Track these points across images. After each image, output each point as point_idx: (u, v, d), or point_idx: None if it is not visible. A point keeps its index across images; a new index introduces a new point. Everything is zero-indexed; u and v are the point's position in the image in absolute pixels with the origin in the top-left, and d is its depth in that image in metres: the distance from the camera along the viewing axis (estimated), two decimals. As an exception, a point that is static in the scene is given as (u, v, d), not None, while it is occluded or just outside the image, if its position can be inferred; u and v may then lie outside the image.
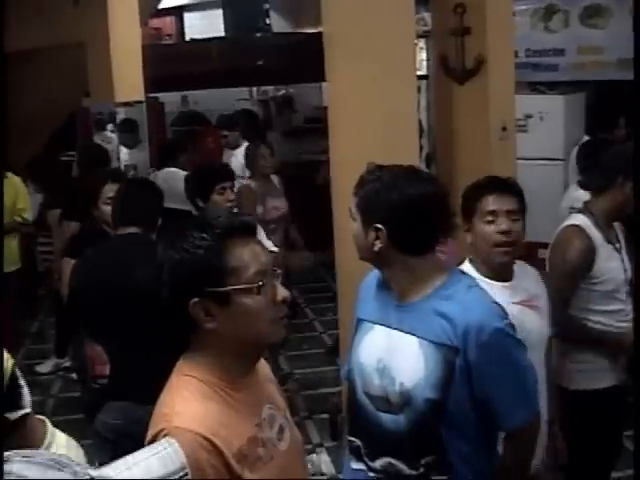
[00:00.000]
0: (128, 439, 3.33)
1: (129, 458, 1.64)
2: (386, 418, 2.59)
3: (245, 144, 7.76)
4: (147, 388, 3.45)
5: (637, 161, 3.46)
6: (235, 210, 4.90)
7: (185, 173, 7.66)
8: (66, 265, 4.69)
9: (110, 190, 4.65)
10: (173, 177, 7.57)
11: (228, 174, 5.19)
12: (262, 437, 2.02)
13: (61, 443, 1.79)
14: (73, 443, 1.86)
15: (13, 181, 7.23)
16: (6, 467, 1.19)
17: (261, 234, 5.07)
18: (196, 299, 1.93)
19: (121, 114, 8.76)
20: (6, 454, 1.23)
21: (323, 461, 5.28)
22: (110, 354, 3.81)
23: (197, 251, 1.94)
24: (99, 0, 8.41)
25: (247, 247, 2.00)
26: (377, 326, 2.67)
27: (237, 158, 7.65)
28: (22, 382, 1.71)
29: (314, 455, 5.27)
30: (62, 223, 6.37)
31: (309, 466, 4.17)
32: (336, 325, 5.24)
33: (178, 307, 1.95)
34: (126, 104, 8.72)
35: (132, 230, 3.86)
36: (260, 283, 1.97)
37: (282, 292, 2.03)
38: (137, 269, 3.50)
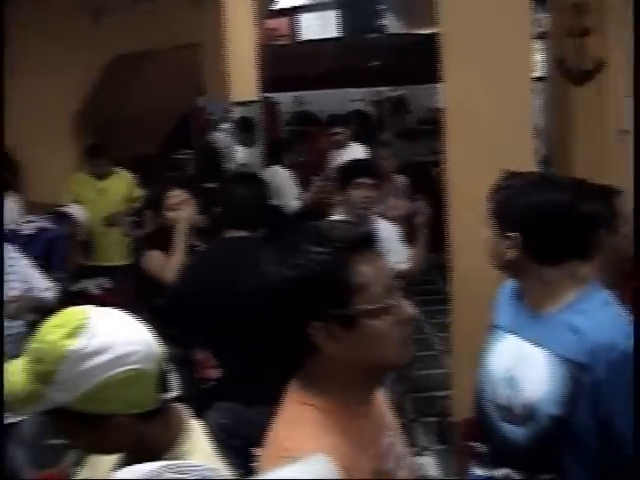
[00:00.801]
0: (236, 439, 3.37)
1: (281, 472, 1.57)
2: (509, 429, 2.51)
3: (353, 145, 7.76)
4: (256, 390, 3.51)
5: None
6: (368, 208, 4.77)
7: (287, 172, 7.78)
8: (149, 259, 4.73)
9: (176, 196, 4.69)
10: (278, 175, 7.66)
11: (368, 170, 4.95)
12: (384, 469, 1.86)
13: (199, 432, 1.80)
14: (204, 435, 1.85)
15: (122, 174, 7.51)
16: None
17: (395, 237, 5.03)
18: (318, 322, 1.71)
19: (236, 113, 8.87)
20: (157, 466, 1.23)
21: (429, 464, 5.24)
22: (218, 358, 3.84)
23: (317, 268, 1.71)
24: (215, 1, 8.55)
25: (371, 262, 1.75)
26: (509, 335, 2.59)
27: (345, 158, 7.64)
28: (169, 367, 1.73)
29: (420, 458, 5.24)
30: None
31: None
32: (447, 328, 5.19)
33: (295, 330, 1.74)
34: (242, 104, 8.83)
35: (240, 233, 3.84)
36: (389, 302, 1.74)
37: (408, 309, 1.80)
38: (247, 275, 3.52)
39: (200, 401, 1.83)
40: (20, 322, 4.23)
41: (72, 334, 1.60)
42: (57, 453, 5.20)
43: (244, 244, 3.81)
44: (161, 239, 4.63)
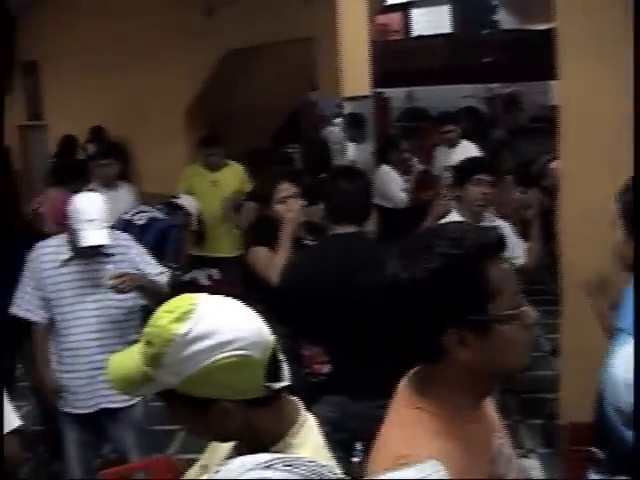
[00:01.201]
0: (342, 432, 3.39)
1: (393, 476, 1.55)
2: (630, 434, 2.39)
3: (465, 143, 7.70)
4: (363, 385, 3.52)
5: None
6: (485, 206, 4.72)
7: (396, 171, 7.78)
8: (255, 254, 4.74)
9: (285, 190, 4.67)
10: (387, 175, 7.66)
11: (486, 167, 4.88)
12: (497, 474, 1.85)
13: (312, 425, 1.80)
14: (317, 429, 1.85)
15: (236, 168, 7.59)
16: (265, 472, 1.19)
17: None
18: (451, 328, 1.69)
19: (348, 109, 8.89)
20: (269, 458, 1.22)
21: (534, 467, 5.15)
22: (328, 353, 3.85)
23: (454, 273, 1.69)
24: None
25: (501, 267, 1.75)
26: (632, 338, 2.51)
27: (454, 157, 7.57)
28: (281, 357, 1.74)
29: (525, 460, 5.15)
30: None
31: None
32: (557, 329, 5.10)
33: (424, 334, 1.73)
34: (353, 99, 8.84)
35: (348, 229, 3.82)
36: (519, 308, 1.73)
37: (531, 314, 1.78)
38: (358, 271, 3.52)
39: (309, 395, 1.83)
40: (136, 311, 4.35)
41: (180, 319, 1.63)
42: (164, 439, 5.33)
43: (353, 241, 3.81)
44: (267, 232, 4.67)
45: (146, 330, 1.70)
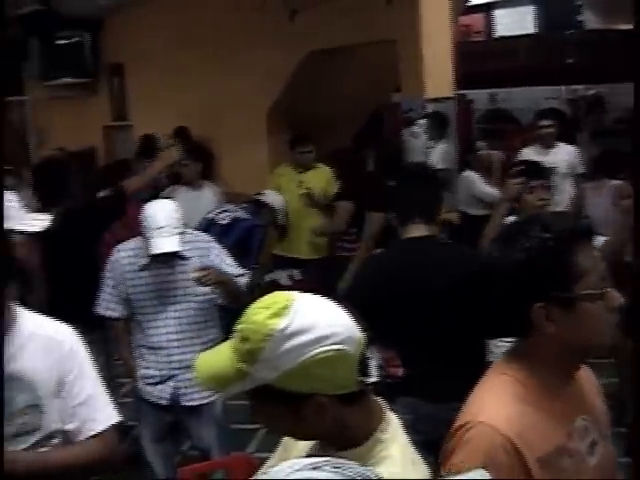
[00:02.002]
0: (415, 434, 3.37)
1: None
2: None
3: (561, 145, 7.61)
4: (438, 387, 3.51)
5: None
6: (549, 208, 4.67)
7: (479, 176, 7.73)
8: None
9: None
10: (469, 180, 7.60)
11: (539, 172, 4.87)
12: (571, 448, 1.96)
13: (396, 423, 1.84)
14: (400, 427, 1.88)
15: (323, 169, 7.61)
16: (313, 473, 1.21)
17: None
18: (540, 303, 1.90)
19: (430, 110, 8.84)
20: (318, 460, 1.25)
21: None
22: (402, 355, 3.83)
23: (545, 253, 1.91)
24: (410, -2, 8.55)
25: (590, 252, 1.96)
26: None
27: (554, 157, 7.45)
28: (369, 354, 1.77)
29: None
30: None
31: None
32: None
33: (515, 309, 1.94)
34: (435, 100, 8.79)
35: (421, 230, 3.79)
36: (604, 289, 1.92)
37: (617, 298, 1.95)
38: (434, 273, 3.50)
39: (385, 397, 1.85)
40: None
41: (277, 314, 1.66)
42: (243, 437, 5.36)
43: (426, 244, 3.79)
44: None
45: (240, 327, 1.72)
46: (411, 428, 3.35)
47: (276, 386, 1.67)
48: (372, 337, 3.87)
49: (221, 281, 4.22)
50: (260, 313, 1.68)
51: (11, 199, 3.80)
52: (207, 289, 4.28)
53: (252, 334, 1.67)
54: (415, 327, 3.60)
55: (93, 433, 2.52)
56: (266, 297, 1.73)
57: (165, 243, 4.10)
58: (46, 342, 2.50)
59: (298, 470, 1.23)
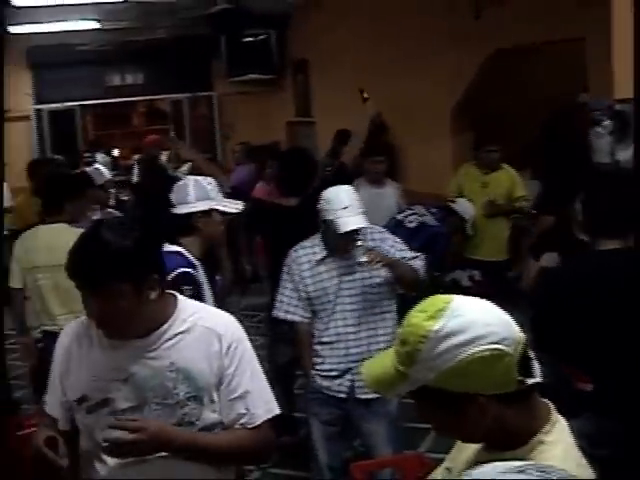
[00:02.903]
0: (599, 449, 3.28)
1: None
2: None
3: None
4: (625, 405, 3.43)
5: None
6: None
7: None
8: (530, 266, 4.59)
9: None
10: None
11: None
12: None
13: (564, 425, 1.82)
14: (568, 430, 1.84)
15: (508, 170, 7.47)
16: (519, 476, 1.24)
17: None
18: None
19: (617, 111, 8.59)
20: (522, 464, 1.28)
21: None
22: (590, 371, 3.72)
23: None
24: (601, -3, 8.32)
25: None
26: None
27: None
28: (531, 354, 1.77)
29: None
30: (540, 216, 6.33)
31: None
32: None
33: None
34: (623, 101, 8.54)
35: (615, 242, 3.61)
36: None
37: None
38: (629, 289, 3.38)
39: (569, 409, 1.83)
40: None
41: (433, 316, 1.70)
42: (415, 437, 5.37)
43: (620, 259, 3.59)
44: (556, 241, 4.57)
45: (400, 331, 1.78)
46: (596, 442, 3.33)
47: (435, 387, 1.71)
48: (560, 354, 3.82)
49: (390, 263, 4.27)
50: (417, 316, 1.73)
51: (210, 182, 4.17)
52: (383, 279, 4.35)
53: (409, 336, 1.72)
54: (606, 342, 3.53)
55: (250, 427, 2.55)
56: (425, 301, 1.78)
57: (352, 221, 4.18)
58: (207, 334, 2.53)
59: (502, 472, 1.27)
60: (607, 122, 8.72)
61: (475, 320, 1.69)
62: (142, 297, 2.42)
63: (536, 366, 1.76)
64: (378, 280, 4.37)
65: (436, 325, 1.68)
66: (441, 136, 9.66)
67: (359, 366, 4.27)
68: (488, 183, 7.34)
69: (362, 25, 11.06)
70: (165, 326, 2.50)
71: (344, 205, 4.20)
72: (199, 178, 4.17)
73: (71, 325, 2.70)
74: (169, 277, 3.54)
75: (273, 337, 5.91)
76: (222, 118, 15.39)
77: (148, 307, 2.45)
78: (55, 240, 4.97)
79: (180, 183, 4.19)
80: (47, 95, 14.43)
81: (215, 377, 2.51)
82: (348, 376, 4.39)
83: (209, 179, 4.20)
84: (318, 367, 4.49)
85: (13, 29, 11.66)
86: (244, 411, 2.54)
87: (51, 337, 4.79)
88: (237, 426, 2.54)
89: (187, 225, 4.04)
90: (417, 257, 4.48)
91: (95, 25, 12.02)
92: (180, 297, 2.62)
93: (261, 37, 13.73)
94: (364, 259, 4.16)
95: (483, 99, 9.26)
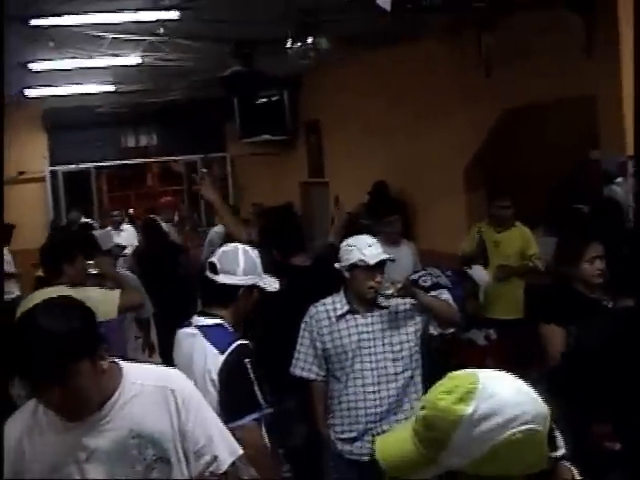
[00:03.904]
0: None
1: None
2: None
3: None
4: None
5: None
6: None
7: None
8: (550, 332, 4.43)
9: (594, 250, 4.42)
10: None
11: None
12: None
13: None
14: None
15: (521, 229, 7.48)
16: None
17: None
18: None
19: (632, 168, 8.59)
20: None
21: None
22: (617, 429, 3.68)
23: None
24: (611, 52, 8.36)
25: None
26: None
27: None
28: (554, 425, 1.70)
29: None
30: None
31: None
32: None
33: None
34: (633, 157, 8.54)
35: (630, 302, 3.64)
36: None
37: None
38: None
39: (595, 470, 1.78)
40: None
41: (463, 399, 1.61)
42: None
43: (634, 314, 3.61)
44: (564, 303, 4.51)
45: (423, 414, 1.67)
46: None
47: (467, 472, 1.63)
48: (587, 410, 3.78)
49: (417, 293, 4.30)
50: (444, 399, 1.64)
51: (258, 256, 3.97)
52: (404, 337, 4.34)
53: (439, 421, 1.63)
54: (633, 400, 3.49)
55: (220, 472, 2.58)
56: (446, 380, 1.70)
57: (380, 254, 4.24)
58: (159, 393, 2.52)
59: None
60: (620, 179, 8.72)
61: (507, 400, 1.62)
62: (97, 370, 2.39)
63: (560, 437, 1.72)
64: (400, 339, 4.34)
65: (469, 409, 1.60)
66: (455, 194, 9.69)
67: (379, 426, 4.26)
68: (501, 242, 7.33)
69: (373, 86, 11.16)
70: (116, 395, 2.47)
71: (369, 243, 4.26)
72: (248, 248, 3.98)
73: (15, 418, 2.58)
74: (227, 350, 3.54)
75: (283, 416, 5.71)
76: (235, 179, 15.48)
77: (101, 379, 2.42)
78: None
79: (228, 249, 3.93)
80: (62, 157, 14.57)
81: (177, 434, 2.51)
82: (367, 437, 4.31)
83: (256, 252, 4.01)
84: (337, 429, 4.44)
85: (29, 92, 11.81)
86: (211, 459, 2.56)
87: None
88: (206, 474, 2.56)
89: (231, 297, 3.83)
90: (442, 293, 4.48)
91: (110, 88, 12.15)
92: (122, 363, 2.58)
93: (274, 98, 13.85)
94: (390, 291, 4.17)
95: (495, 157, 9.30)
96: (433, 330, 4.44)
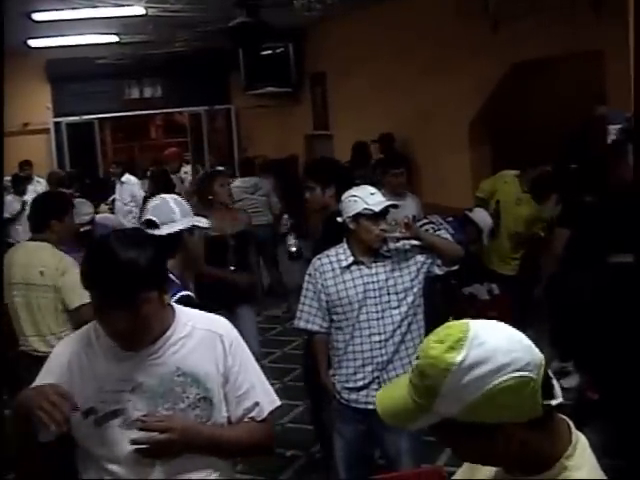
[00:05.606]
0: (612, 459, 3.27)
1: None
2: None
3: None
4: (633, 413, 3.43)
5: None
6: None
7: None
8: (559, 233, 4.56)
9: None
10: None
11: None
12: None
13: (586, 445, 1.78)
14: (590, 449, 1.80)
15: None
16: None
17: None
18: None
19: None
20: None
21: None
22: (598, 379, 3.73)
23: None
24: (618, 7, 8.28)
25: None
26: None
27: None
28: (551, 374, 1.72)
29: None
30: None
31: None
32: None
33: None
34: (641, 112, 8.50)
35: (628, 255, 3.68)
36: None
37: None
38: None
39: (577, 419, 1.79)
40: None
41: (453, 347, 1.63)
42: (433, 450, 5.29)
43: (634, 271, 3.66)
44: None
45: (417, 363, 1.71)
46: (607, 452, 3.34)
47: (461, 419, 1.65)
48: (570, 356, 3.84)
49: (417, 232, 4.29)
50: (435, 348, 1.66)
51: (181, 199, 4.06)
52: (407, 284, 4.33)
53: (430, 369, 1.65)
54: (613, 352, 3.54)
55: (259, 419, 2.63)
56: (440, 329, 1.72)
57: (384, 201, 4.24)
58: (208, 336, 2.59)
59: None
60: (622, 136, 8.68)
61: (497, 348, 1.63)
62: (163, 303, 2.49)
63: (557, 386, 1.73)
64: (404, 287, 4.36)
65: (458, 357, 1.62)
66: (460, 148, 9.66)
67: (384, 374, 4.29)
68: (522, 201, 7.28)
69: (379, 38, 11.08)
70: (168, 332, 2.54)
71: (371, 192, 4.26)
72: (173, 195, 4.07)
73: (71, 337, 2.70)
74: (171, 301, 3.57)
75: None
76: (240, 131, 15.45)
77: (163, 313, 2.51)
78: (32, 258, 4.89)
79: (158, 202, 3.95)
80: (66, 108, 14.53)
81: (222, 377, 2.57)
82: (374, 386, 4.31)
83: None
84: (342, 379, 4.44)
85: (33, 43, 11.75)
86: (252, 405, 2.61)
87: (27, 359, 4.75)
88: (246, 420, 2.61)
89: (176, 245, 3.84)
90: (444, 233, 4.55)
91: (114, 39, 12.08)
92: (174, 304, 2.66)
93: (279, 50, 13.78)
94: (396, 233, 4.17)
95: (501, 112, 9.25)
96: (438, 270, 4.42)
